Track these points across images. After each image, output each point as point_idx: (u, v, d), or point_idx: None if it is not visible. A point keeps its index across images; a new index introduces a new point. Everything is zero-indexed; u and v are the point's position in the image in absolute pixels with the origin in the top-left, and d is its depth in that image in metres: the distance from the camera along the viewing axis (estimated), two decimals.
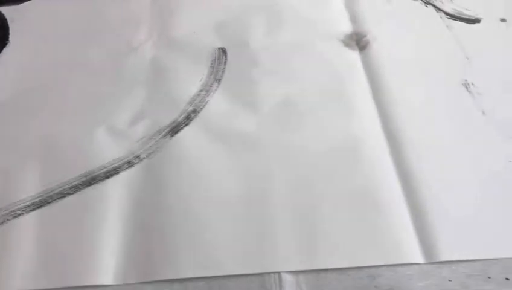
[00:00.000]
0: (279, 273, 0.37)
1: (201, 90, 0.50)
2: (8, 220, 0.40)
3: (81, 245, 0.39)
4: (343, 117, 0.48)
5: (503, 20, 0.58)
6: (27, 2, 0.61)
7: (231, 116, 0.48)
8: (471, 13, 0.59)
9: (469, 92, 0.50)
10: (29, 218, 0.41)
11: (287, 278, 0.37)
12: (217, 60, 0.54)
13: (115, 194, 0.42)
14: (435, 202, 0.41)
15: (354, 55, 0.54)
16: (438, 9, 0.60)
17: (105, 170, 0.43)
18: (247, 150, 0.45)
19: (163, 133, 0.46)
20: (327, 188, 0.42)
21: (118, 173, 0.43)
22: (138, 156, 0.45)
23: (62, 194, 0.42)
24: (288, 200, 0.42)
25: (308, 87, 0.51)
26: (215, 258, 0.38)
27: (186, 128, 0.47)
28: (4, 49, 0.55)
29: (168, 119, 0.48)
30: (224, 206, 0.41)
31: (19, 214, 0.41)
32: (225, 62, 0.53)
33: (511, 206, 0.41)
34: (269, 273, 0.37)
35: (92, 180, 0.42)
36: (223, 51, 0.55)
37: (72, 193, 0.42)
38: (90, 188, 0.42)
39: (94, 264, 0.38)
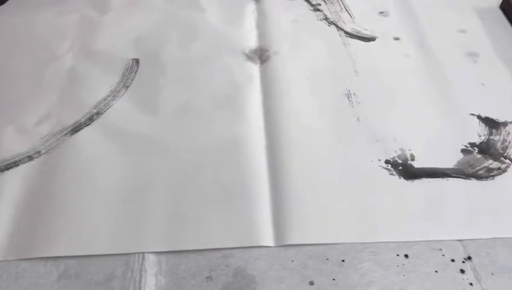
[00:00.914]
0: (143, 253, 0.42)
1: (108, 95, 0.56)
2: None
3: None
4: (232, 121, 0.53)
5: (396, 38, 0.65)
6: None
7: (131, 119, 0.53)
8: (368, 32, 0.65)
9: (349, 100, 0.56)
10: None
11: (150, 258, 0.42)
12: (129, 69, 0.59)
13: (12, 183, 0.47)
14: (295, 193, 0.46)
15: (254, 68, 0.60)
16: (339, 28, 0.66)
17: (6, 163, 0.48)
18: (139, 148, 0.50)
19: (65, 132, 0.51)
20: (203, 180, 0.47)
21: (17, 165, 0.48)
22: (39, 152, 0.50)
23: None
24: (166, 191, 0.46)
25: (207, 94, 0.56)
26: (87, 240, 0.42)
27: (86, 128, 0.52)
28: None
29: (72, 120, 0.53)
30: (106, 196, 0.46)
31: None
32: (136, 71, 0.59)
33: (356, 199, 0.46)
34: (134, 253, 0.42)
35: None
36: (136, 61, 0.60)
37: None
38: None
39: None
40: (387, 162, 0.49)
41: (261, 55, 0.62)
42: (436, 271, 0.41)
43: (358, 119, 0.54)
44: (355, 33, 0.65)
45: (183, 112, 0.54)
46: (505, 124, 0.53)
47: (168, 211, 0.45)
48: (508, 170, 0.48)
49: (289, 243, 0.42)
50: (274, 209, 0.45)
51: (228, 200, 0.46)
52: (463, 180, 0.48)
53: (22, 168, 0.48)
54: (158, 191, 0.47)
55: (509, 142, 0.51)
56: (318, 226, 0.44)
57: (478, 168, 0.49)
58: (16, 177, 0.47)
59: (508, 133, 0.52)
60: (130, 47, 0.62)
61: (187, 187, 0.47)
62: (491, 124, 0.53)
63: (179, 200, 0.46)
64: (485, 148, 0.50)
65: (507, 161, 0.49)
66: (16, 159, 0.49)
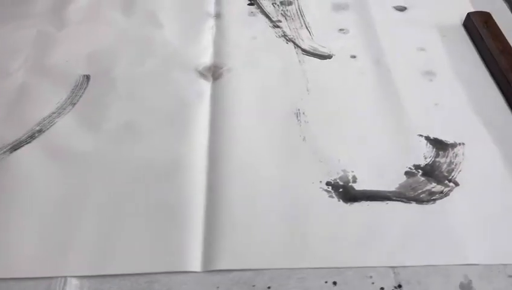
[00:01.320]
0: (65, 277, 0.41)
1: (54, 112, 0.55)
2: None
3: None
4: (174, 140, 0.52)
5: (353, 56, 0.64)
6: None
7: (73, 137, 0.52)
8: (325, 50, 0.64)
9: (298, 120, 0.55)
10: None
11: (72, 282, 0.41)
12: (78, 86, 0.59)
13: None
14: (230, 217, 0.45)
15: (206, 85, 0.59)
16: (296, 45, 0.65)
17: None
18: (77, 167, 0.49)
19: (4, 149, 0.51)
20: (137, 202, 0.46)
21: None
22: None
23: None
24: (97, 212, 0.45)
25: (154, 111, 0.55)
26: (10, 262, 0.42)
27: (26, 146, 0.51)
28: None
29: (13, 137, 0.52)
30: (36, 217, 0.45)
31: None
32: (85, 88, 0.59)
33: (290, 223, 0.45)
34: (56, 277, 0.41)
35: None
36: (87, 77, 0.60)
37: None
38: None
39: None
40: (328, 183, 0.48)
41: (214, 72, 0.61)
42: None
43: (304, 139, 0.53)
44: (312, 50, 0.64)
45: (127, 130, 0.53)
46: (453, 145, 0.52)
47: (96, 233, 0.44)
48: (451, 193, 0.47)
49: (216, 268, 0.41)
50: (206, 234, 0.44)
51: (159, 223, 0.45)
52: (403, 203, 0.46)
53: None
54: (89, 212, 0.46)
55: (456, 164, 0.50)
56: (248, 251, 0.43)
57: (420, 191, 0.47)
58: None
59: (456, 155, 0.51)
60: (83, 63, 0.62)
61: (120, 208, 0.46)
62: (439, 145, 0.52)
63: (110, 222, 0.45)
64: (430, 171, 0.49)
65: (451, 184, 0.48)
66: None
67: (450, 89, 0.59)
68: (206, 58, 0.63)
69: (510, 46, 0.63)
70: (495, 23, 0.66)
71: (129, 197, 0.47)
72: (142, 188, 0.48)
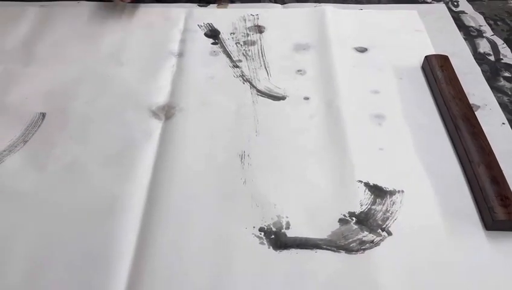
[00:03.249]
0: None
1: (4, 150, 0.56)
2: None
3: None
4: (116, 181, 0.53)
5: (306, 98, 0.65)
6: None
7: (18, 176, 0.53)
8: (280, 91, 0.65)
9: (242, 162, 0.55)
10: None
11: None
12: (33, 124, 0.60)
13: None
14: (156, 265, 0.45)
15: (157, 125, 0.60)
16: (252, 86, 0.66)
17: None
18: (15, 207, 0.50)
19: None
20: (66, 247, 0.47)
21: None
22: None
23: None
24: (24, 258, 0.46)
25: (99, 151, 0.56)
26: None
27: None
28: None
29: None
30: None
31: None
32: (39, 126, 0.60)
33: (214, 273, 0.45)
34: None
35: None
36: (43, 115, 0.61)
37: None
38: None
39: None
40: (261, 229, 0.48)
41: (167, 112, 0.62)
42: None
43: (244, 182, 0.53)
44: (266, 91, 0.65)
45: (70, 170, 0.54)
46: (392, 192, 0.52)
47: (20, 277, 0.44)
48: (382, 243, 0.47)
49: None
50: (130, 283, 0.44)
51: (84, 270, 0.45)
52: (332, 252, 0.46)
53: None
54: (17, 257, 0.46)
55: (392, 213, 0.50)
56: None
57: (351, 240, 0.47)
58: None
59: (393, 203, 0.51)
60: (41, 100, 0.63)
61: (47, 253, 0.46)
62: (377, 192, 0.52)
63: (35, 269, 0.45)
64: (364, 219, 0.49)
65: (383, 233, 0.48)
66: None
67: (398, 134, 0.59)
68: (162, 98, 0.64)
69: (463, 91, 0.63)
70: (451, 66, 0.67)
71: (59, 241, 0.47)
72: (74, 232, 0.48)
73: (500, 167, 0.52)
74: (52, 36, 0.74)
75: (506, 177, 0.51)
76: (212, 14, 0.79)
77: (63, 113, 0.61)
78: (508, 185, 0.50)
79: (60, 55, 0.71)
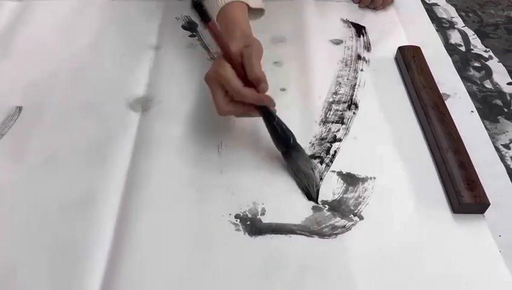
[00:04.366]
0: None
1: None
2: None
3: None
4: (93, 173, 0.53)
5: (282, 89, 0.66)
6: None
7: None
8: None
9: (219, 152, 0.56)
10: None
11: None
12: (9, 117, 0.60)
13: None
14: (134, 253, 0.46)
15: (134, 117, 0.61)
16: None
17: None
18: None
19: None
20: (41, 239, 0.47)
21: None
22: None
23: None
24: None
25: (79, 143, 0.57)
26: None
27: None
28: None
29: None
30: None
31: None
32: (16, 119, 0.60)
33: (188, 261, 0.46)
34: None
35: None
36: (19, 109, 0.61)
37: None
38: None
39: None
40: (237, 216, 0.50)
41: (143, 104, 0.63)
42: None
43: (221, 172, 0.54)
44: None
45: (48, 163, 0.54)
46: (364, 179, 0.53)
47: None
48: (353, 228, 0.49)
49: None
50: (108, 271, 0.45)
51: (59, 261, 0.45)
52: (306, 237, 0.48)
53: None
54: None
55: (364, 198, 0.51)
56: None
57: (324, 225, 0.49)
58: None
59: (365, 190, 0.52)
60: (18, 94, 0.63)
61: (22, 244, 0.47)
62: (350, 180, 0.53)
63: (12, 260, 0.45)
64: (337, 206, 0.51)
65: (355, 218, 0.49)
66: None
67: (371, 123, 0.61)
68: (139, 90, 0.64)
69: (433, 81, 0.65)
70: (423, 57, 0.69)
71: (36, 233, 0.48)
72: (51, 224, 0.48)
73: (467, 153, 0.54)
74: (29, 30, 0.74)
75: (473, 163, 0.53)
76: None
77: (39, 107, 0.61)
78: (474, 170, 0.52)
79: (36, 49, 0.71)
